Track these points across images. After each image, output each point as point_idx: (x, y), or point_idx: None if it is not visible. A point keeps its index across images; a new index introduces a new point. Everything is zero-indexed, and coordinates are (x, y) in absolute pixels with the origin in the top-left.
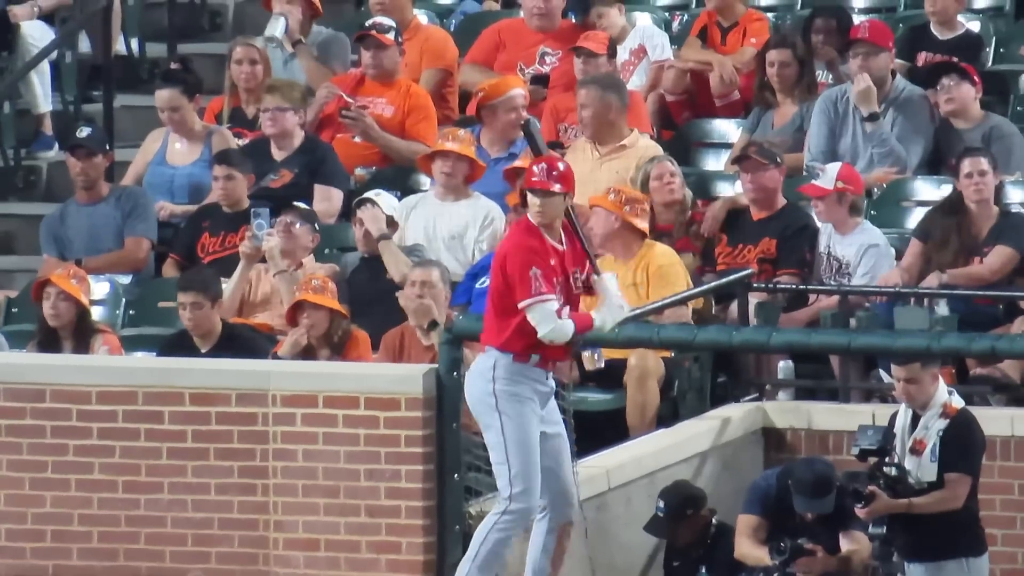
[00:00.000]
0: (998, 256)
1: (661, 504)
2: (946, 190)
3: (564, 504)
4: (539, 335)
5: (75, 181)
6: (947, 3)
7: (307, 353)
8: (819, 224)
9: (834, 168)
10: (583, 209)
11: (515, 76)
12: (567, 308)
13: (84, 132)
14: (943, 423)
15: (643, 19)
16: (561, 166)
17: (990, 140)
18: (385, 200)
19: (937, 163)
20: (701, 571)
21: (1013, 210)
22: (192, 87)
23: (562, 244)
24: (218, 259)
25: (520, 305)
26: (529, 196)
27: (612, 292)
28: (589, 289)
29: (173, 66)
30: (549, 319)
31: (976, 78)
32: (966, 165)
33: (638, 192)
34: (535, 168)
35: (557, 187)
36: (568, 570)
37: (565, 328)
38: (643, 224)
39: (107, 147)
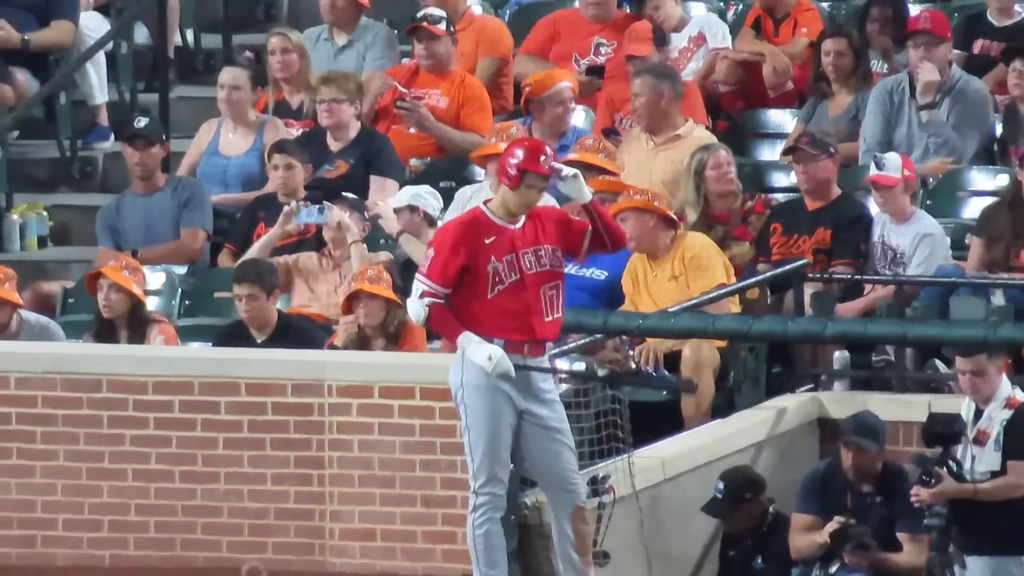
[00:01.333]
0: None
1: (720, 485)
2: (1003, 180)
3: (563, 492)
4: None
5: (132, 171)
6: None
7: (363, 343)
8: (873, 213)
9: (896, 157)
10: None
11: (563, 69)
12: (500, 289)
13: (141, 122)
14: (1007, 413)
15: (698, 9)
16: None
17: None
18: (409, 194)
19: (1003, 149)
20: (757, 561)
21: None
22: (258, 77)
23: (515, 224)
24: (274, 249)
25: None
26: (531, 178)
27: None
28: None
29: (247, 54)
30: (414, 292)
31: None
32: None
33: (653, 188)
34: (545, 152)
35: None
36: (624, 561)
37: (417, 311)
38: (672, 215)
39: (164, 137)
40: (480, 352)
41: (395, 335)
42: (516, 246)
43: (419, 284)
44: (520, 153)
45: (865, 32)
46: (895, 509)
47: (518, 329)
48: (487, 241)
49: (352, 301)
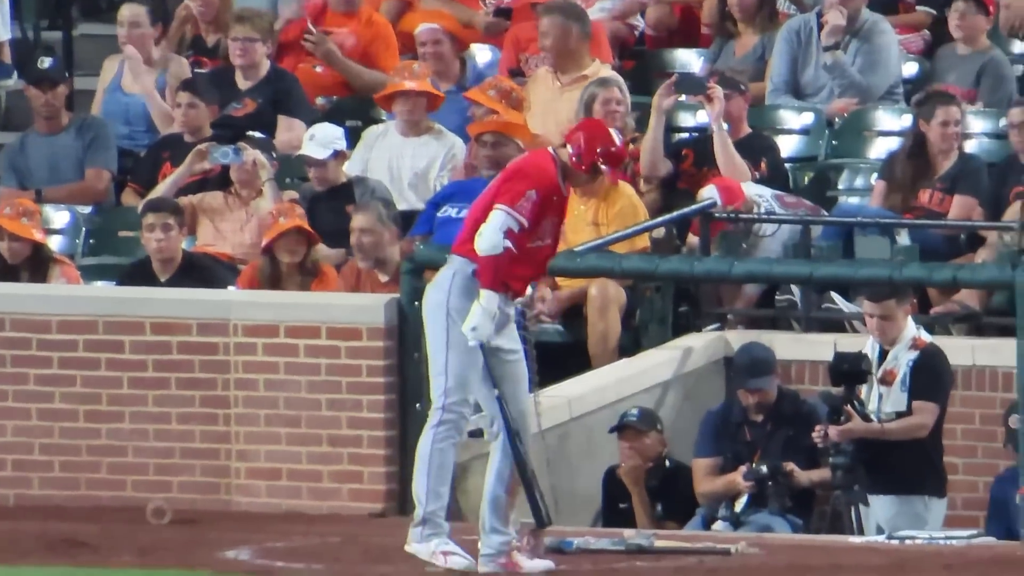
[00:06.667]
0: (960, 207)
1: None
2: (906, 120)
3: (520, 429)
4: (477, 235)
5: (37, 112)
6: None
7: (275, 283)
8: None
9: (712, 191)
10: (545, 140)
11: (466, 7)
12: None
13: (45, 63)
14: (913, 355)
15: None
16: None
17: (983, 73)
18: (327, 133)
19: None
20: (657, 510)
21: (969, 151)
22: (157, 13)
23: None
24: (179, 189)
25: (496, 205)
26: (600, 173)
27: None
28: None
29: None
30: (495, 223)
31: (990, 8)
32: (940, 113)
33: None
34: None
35: None
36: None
37: (496, 243)
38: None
39: (67, 76)
40: (476, 317)
41: (312, 272)
42: (563, 215)
43: (507, 219)
44: (603, 148)
45: None
46: (800, 438)
47: (524, 285)
48: (555, 199)
49: (279, 239)
